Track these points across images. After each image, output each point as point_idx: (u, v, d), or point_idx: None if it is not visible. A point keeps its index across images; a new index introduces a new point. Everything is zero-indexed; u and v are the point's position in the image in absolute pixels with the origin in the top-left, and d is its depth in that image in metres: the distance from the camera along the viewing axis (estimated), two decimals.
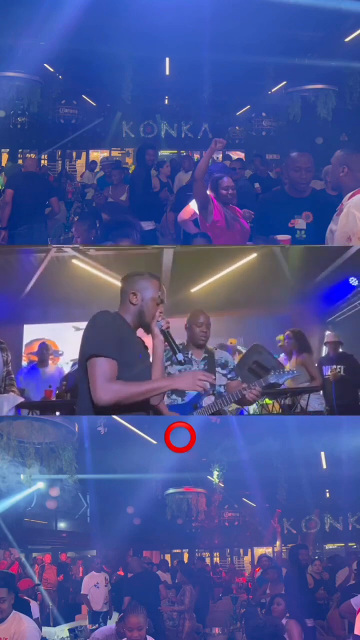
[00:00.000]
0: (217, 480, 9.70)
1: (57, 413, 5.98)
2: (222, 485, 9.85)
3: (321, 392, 6.34)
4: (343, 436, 8.34)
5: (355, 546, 10.90)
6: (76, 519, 11.77)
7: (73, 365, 6.64)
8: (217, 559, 13.25)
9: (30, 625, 3.84)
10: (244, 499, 11.27)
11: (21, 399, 5.27)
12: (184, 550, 12.96)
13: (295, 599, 5.40)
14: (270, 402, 6.19)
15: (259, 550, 12.00)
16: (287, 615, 4.94)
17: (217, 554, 13.48)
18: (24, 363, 8.46)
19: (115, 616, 7.24)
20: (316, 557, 7.86)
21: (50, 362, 7.53)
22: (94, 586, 7.79)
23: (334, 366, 6.52)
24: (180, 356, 3.07)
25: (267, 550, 10.92)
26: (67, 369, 7.53)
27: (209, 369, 4.25)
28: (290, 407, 6.06)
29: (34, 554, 10.99)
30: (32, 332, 9.38)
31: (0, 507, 8.79)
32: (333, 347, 6.85)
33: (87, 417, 7.10)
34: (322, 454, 9.87)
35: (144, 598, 5.98)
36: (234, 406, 4.55)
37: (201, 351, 4.37)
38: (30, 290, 8.36)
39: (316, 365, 6.61)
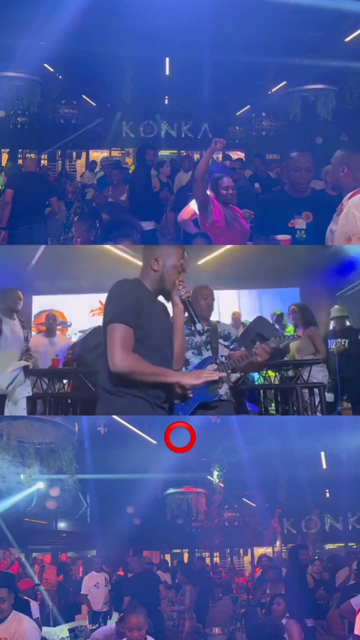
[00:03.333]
0: (217, 480, 9.70)
1: (64, 381, 6.11)
2: (222, 485, 9.84)
3: (324, 364, 6.45)
4: (343, 436, 8.33)
5: (355, 546, 10.88)
6: (76, 519, 11.76)
7: (80, 335, 6.80)
8: (217, 559, 13.25)
9: (30, 625, 3.83)
10: (244, 499, 11.27)
11: (25, 363, 5.63)
12: (184, 550, 12.96)
13: (295, 599, 5.38)
14: (273, 374, 6.25)
15: (259, 550, 12.00)
16: (287, 615, 4.94)
17: (217, 554, 13.48)
18: (34, 333, 8.57)
19: (115, 616, 7.23)
20: (316, 557, 7.84)
21: (58, 332, 7.63)
22: (94, 586, 7.78)
23: (339, 339, 6.61)
24: (199, 326, 3.19)
25: (267, 550, 10.90)
26: (75, 340, 7.59)
27: (211, 341, 4.39)
28: (292, 378, 6.11)
29: (34, 554, 10.99)
30: (41, 303, 9.41)
31: (0, 507, 8.79)
32: (339, 321, 6.93)
33: (87, 417, 7.11)
34: (322, 454, 9.86)
35: (144, 598, 5.97)
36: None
37: (204, 323, 4.48)
38: (37, 262, 8.35)
39: (322, 338, 6.70)
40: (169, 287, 3.06)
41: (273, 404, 6.46)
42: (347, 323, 6.99)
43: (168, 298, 3.11)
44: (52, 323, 7.47)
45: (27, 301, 9.71)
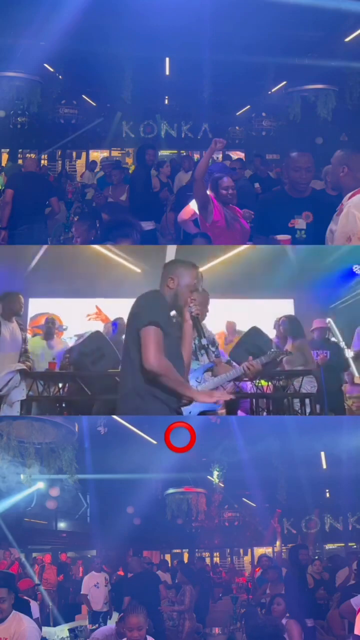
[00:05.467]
0: (217, 480, 9.70)
1: (60, 385, 6.13)
2: (222, 485, 9.85)
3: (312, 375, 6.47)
4: (343, 436, 8.34)
5: (355, 546, 10.90)
6: (76, 519, 11.76)
7: (76, 340, 6.81)
8: (217, 559, 13.25)
9: (30, 625, 3.84)
10: (244, 499, 11.27)
11: (21, 366, 5.67)
12: (184, 550, 12.96)
13: (295, 599, 5.39)
14: (266, 383, 6.33)
15: (259, 550, 12.00)
16: (287, 615, 4.94)
17: (217, 554, 13.48)
18: (29, 336, 8.59)
19: (115, 616, 7.23)
20: (316, 557, 7.84)
21: (55, 336, 7.64)
22: (94, 586, 7.79)
23: (320, 351, 6.64)
24: (204, 341, 3.35)
25: (267, 550, 10.91)
26: (70, 344, 7.60)
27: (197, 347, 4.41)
28: (284, 388, 6.19)
29: (34, 554, 10.99)
30: (37, 306, 9.45)
31: (0, 507, 8.79)
32: (321, 332, 6.96)
33: (87, 417, 7.12)
34: (322, 454, 9.87)
35: (144, 598, 5.97)
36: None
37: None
38: (36, 265, 8.41)
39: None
40: (182, 303, 3.28)
41: (265, 413, 6.49)
42: (334, 337, 6.98)
43: (180, 314, 3.33)
44: (50, 327, 7.51)
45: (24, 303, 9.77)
